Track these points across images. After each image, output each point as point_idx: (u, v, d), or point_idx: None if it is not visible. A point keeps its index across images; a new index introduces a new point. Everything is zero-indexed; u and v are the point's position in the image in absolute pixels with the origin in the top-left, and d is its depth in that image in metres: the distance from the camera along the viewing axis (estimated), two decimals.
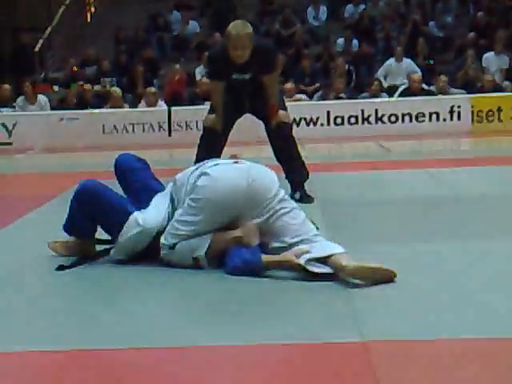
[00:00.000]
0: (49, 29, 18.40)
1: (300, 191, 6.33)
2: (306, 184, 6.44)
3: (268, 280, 3.84)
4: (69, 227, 4.38)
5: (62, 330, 3.24)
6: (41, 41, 17.90)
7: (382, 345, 2.91)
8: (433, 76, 15.33)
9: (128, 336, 3.11)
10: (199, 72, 15.80)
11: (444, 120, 13.82)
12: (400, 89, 14.88)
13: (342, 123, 13.89)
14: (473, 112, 13.82)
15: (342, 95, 14.61)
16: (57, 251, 4.47)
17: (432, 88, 14.82)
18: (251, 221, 4.01)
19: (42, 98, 14.70)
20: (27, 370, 2.87)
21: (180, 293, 3.81)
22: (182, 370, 2.79)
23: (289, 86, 14.32)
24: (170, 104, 14.27)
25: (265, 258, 3.93)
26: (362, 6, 18.05)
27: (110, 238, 4.37)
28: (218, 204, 4.00)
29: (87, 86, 15.27)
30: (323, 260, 3.81)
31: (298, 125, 13.08)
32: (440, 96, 14.31)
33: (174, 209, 4.20)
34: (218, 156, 6.04)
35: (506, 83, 15.40)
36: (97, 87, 15.77)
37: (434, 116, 13.81)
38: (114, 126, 13.87)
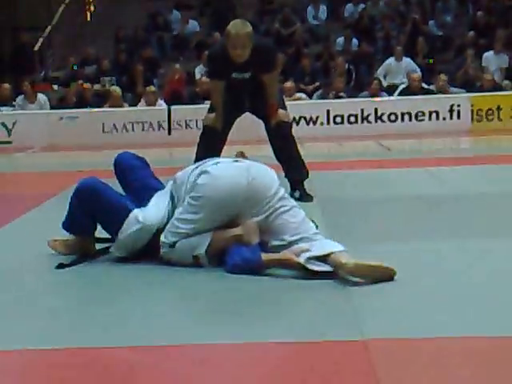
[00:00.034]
0: (49, 28, 18.40)
1: (300, 190, 6.33)
2: (305, 183, 6.45)
3: (268, 278, 3.84)
4: (68, 225, 4.38)
5: (62, 328, 3.24)
6: (41, 40, 17.90)
7: (382, 343, 2.91)
8: (432, 75, 15.34)
9: (127, 334, 3.11)
10: (199, 71, 15.81)
11: (444, 119, 13.84)
12: (400, 88, 14.89)
13: (342, 122, 13.91)
14: (472, 111, 13.84)
15: (341, 94, 14.62)
16: (56, 249, 4.47)
17: (431, 87, 14.82)
18: (251, 219, 4.01)
19: (41, 96, 14.71)
20: (26, 368, 2.87)
21: (180, 291, 3.81)
22: (182, 368, 2.79)
23: (288, 85, 14.33)
24: (169, 103, 14.28)
25: (265, 256, 3.93)
26: (362, 6, 18.06)
27: (109, 236, 4.37)
28: (218, 202, 4.00)
29: (87, 85, 15.28)
30: (323, 258, 3.81)
31: (297, 124, 13.09)
32: (440, 95, 14.32)
33: (173, 207, 4.21)
34: (218, 155, 6.04)
35: (506, 82, 15.41)
36: (96, 86, 15.78)
37: (434, 115, 13.82)
38: (114, 125, 13.88)
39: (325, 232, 4.39)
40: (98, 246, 4.44)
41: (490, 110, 13.84)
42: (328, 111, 13.92)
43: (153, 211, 4.20)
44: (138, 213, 4.18)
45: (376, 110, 13.88)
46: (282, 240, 3.99)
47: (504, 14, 17.47)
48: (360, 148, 11.94)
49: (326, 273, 3.76)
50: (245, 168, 4.10)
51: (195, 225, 4.04)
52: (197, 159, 5.88)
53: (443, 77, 14.67)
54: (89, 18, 20.56)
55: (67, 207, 4.36)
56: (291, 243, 3.95)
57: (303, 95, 14.86)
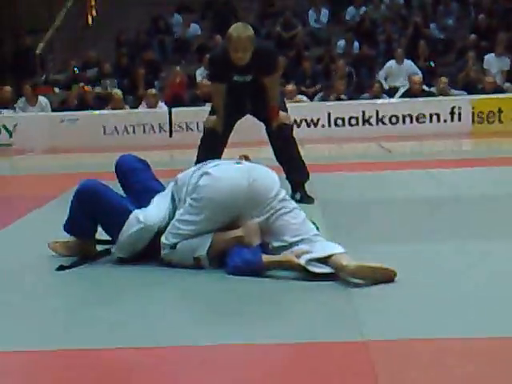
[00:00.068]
0: (50, 31, 18.43)
1: (300, 192, 6.34)
2: (306, 185, 6.45)
3: (269, 280, 3.85)
4: (69, 227, 4.38)
5: (62, 329, 3.24)
6: (42, 43, 17.92)
7: (383, 344, 2.91)
8: (433, 78, 15.34)
9: (128, 336, 3.12)
10: (200, 74, 15.81)
11: (445, 121, 13.83)
12: (401, 90, 14.89)
13: (343, 124, 13.91)
14: (473, 113, 13.83)
15: (342, 97, 14.62)
16: (57, 251, 4.48)
17: (433, 89, 14.82)
18: (252, 220, 4.01)
19: (42, 99, 14.72)
20: (27, 369, 2.87)
21: (180, 292, 3.81)
22: (182, 369, 2.79)
23: (290, 87, 14.34)
24: (170, 106, 14.29)
25: (265, 258, 3.93)
26: (363, 9, 18.06)
27: (110, 238, 4.38)
28: (220, 203, 4.00)
29: (88, 88, 15.28)
30: (324, 260, 3.81)
31: (298, 126, 13.10)
32: (441, 97, 14.32)
33: (174, 208, 4.21)
34: (219, 157, 6.05)
35: (507, 85, 15.41)
36: (98, 89, 15.79)
37: (435, 117, 13.82)
38: (115, 128, 13.89)
39: (325, 233, 4.39)
40: (99, 248, 4.45)
41: (491, 112, 13.83)
42: (329, 113, 13.92)
43: (154, 212, 4.20)
44: (138, 213, 4.18)
45: (377, 112, 13.88)
46: (282, 241, 3.99)
47: (505, 16, 17.47)
48: (361, 150, 11.94)
49: (327, 274, 3.77)
50: (246, 170, 4.11)
51: (196, 226, 4.05)
52: (198, 161, 5.89)
53: (444, 79, 14.68)
54: (90, 22, 20.59)
55: (68, 209, 4.36)
56: (292, 244, 3.96)
57: (304, 98, 14.87)
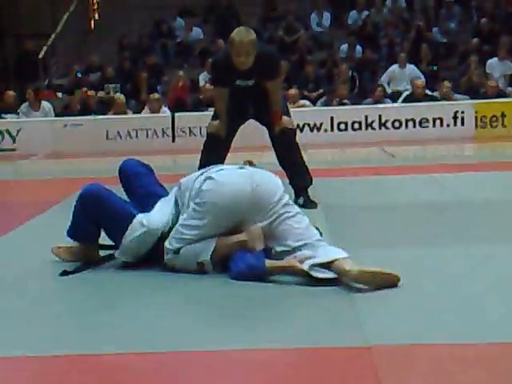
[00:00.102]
0: (53, 35, 18.44)
1: (303, 196, 6.33)
2: (309, 189, 6.45)
3: (272, 285, 3.85)
4: (72, 232, 4.38)
5: (65, 334, 3.24)
6: (45, 47, 17.94)
7: (385, 349, 2.91)
8: (436, 82, 15.33)
9: (130, 340, 3.12)
10: (203, 78, 15.83)
11: (448, 125, 13.82)
12: (403, 95, 14.89)
13: (346, 129, 13.90)
14: (476, 117, 13.83)
15: (345, 101, 14.62)
16: (60, 256, 4.48)
17: (435, 94, 14.82)
18: (255, 225, 4.01)
19: (45, 104, 14.74)
20: (29, 374, 2.87)
21: (184, 297, 3.81)
22: (184, 374, 2.79)
23: (292, 92, 14.34)
24: (173, 110, 14.30)
25: (269, 263, 3.93)
26: (366, 13, 18.06)
27: (113, 243, 4.38)
28: (223, 208, 4.01)
29: (91, 93, 15.30)
30: (327, 265, 3.81)
31: (301, 131, 13.09)
32: (443, 102, 14.31)
33: (178, 212, 4.21)
34: (222, 162, 6.04)
35: (510, 89, 15.41)
36: (100, 93, 15.80)
37: (438, 121, 13.81)
38: (118, 132, 13.90)
39: (328, 238, 4.39)
40: (102, 253, 4.45)
41: (494, 116, 13.83)
42: (332, 118, 13.91)
43: (157, 216, 4.20)
44: (142, 217, 4.19)
45: (380, 116, 13.88)
46: (285, 246, 3.99)
47: (508, 20, 17.46)
48: (364, 155, 11.95)
49: (330, 279, 3.76)
50: (249, 175, 4.11)
51: (200, 231, 4.05)
52: (201, 166, 5.89)
53: (447, 83, 14.66)
54: (93, 26, 20.60)
55: (71, 214, 4.37)
56: (295, 249, 3.96)
57: (307, 102, 14.87)
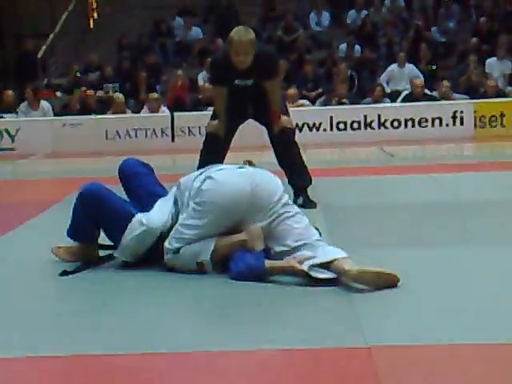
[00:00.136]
0: (52, 35, 18.44)
1: (303, 196, 6.33)
2: (308, 189, 6.45)
3: (271, 285, 3.85)
4: (72, 231, 4.38)
5: (65, 335, 3.24)
6: (44, 47, 17.93)
7: (385, 349, 2.91)
8: (435, 81, 15.34)
9: (130, 341, 3.11)
10: (202, 78, 15.83)
11: (447, 125, 13.83)
12: (402, 94, 14.89)
13: (345, 128, 13.90)
14: (475, 117, 13.83)
15: (344, 101, 14.62)
16: (60, 256, 4.47)
17: (434, 93, 14.82)
18: (255, 225, 4.01)
19: (44, 103, 14.73)
20: (29, 375, 2.87)
21: (183, 297, 3.81)
22: (184, 375, 2.79)
23: (291, 91, 14.33)
24: (172, 110, 14.30)
25: (268, 263, 3.93)
26: (365, 12, 18.06)
27: (112, 243, 4.37)
28: (223, 208, 4.01)
29: (90, 92, 15.29)
30: (326, 265, 3.81)
31: (300, 130, 13.09)
32: (443, 101, 14.32)
33: (177, 212, 4.21)
34: (221, 162, 6.05)
35: (509, 88, 15.41)
36: (100, 93, 15.79)
37: (437, 121, 13.81)
38: (117, 132, 13.89)
39: (328, 238, 4.39)
40: (102, 253, 4.44)
41: (493, 116, 13.83)
42: (331, 117, 13.91)
43: (156, 215, 4.21)
44: (141, 216, 4.19)
45: (379, 116, 13.88)
46: (284, 246, 3.99)
47: (507, 19, 17.47)
48: (363, 154, 11.95)
49: (329, 280, 3.76)
50: (249, 174, 4.11)
51: (199, 230, 4.05)
52: (200, 166, 5.89)
53: (446, 83, 14.67)
54: (92, 25, 20.60)
55: (71, 214, 4.37)
56: (294, 249, 3.96)
57: (306, 102, 14.87)
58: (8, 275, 4.32)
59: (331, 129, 13.91)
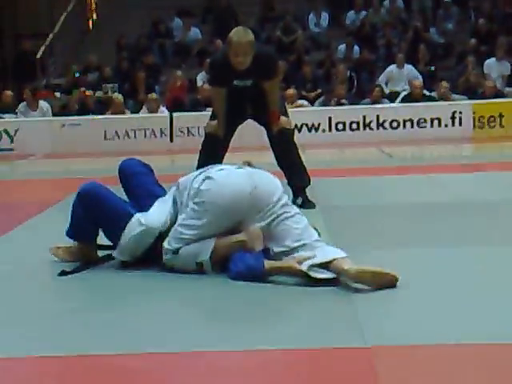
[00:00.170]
0: (51, 35, 18.44)
1: (302, 197, 6.34)
2: (307, 190, 6.45)
3: (270, 285, 3.85)
4: (71, 231, 4.39)
5: (63, 335, 3.24)
6: (43, 47, 17.93)
7: (385, 350, 2.91)
8: (434, 82, 15.34)
9: (129, 341, 3.11)
10: (200, 78, 15.82)
11: (445, 126, 13.84)
12: (401, 95, 14.90)
13: (344, 129, 13.91)
14: (474, 118, 13.84)
15: (343, 101, 14.63)
16: (59, 256, 4.48)
17: (433, 94, 14.83)
18: (254, 225, 4.01)
19: (43, 104, 14.73)
20: (28, 375, 2.87)
21: (182, 298, 3.81)
22: (183, 375, 2.79)
23: (290, 92, 14.34)
24: (171, 110, 14.30)
25: (267, 264, 3.93)
26: (364, 13, 18.07)
27: (111, 244, 4.37)
28: (222, 208, 4.01)
29: (89, 93, 15.29)
30: (325, 265, 3.81)
31: (299, 131, 13.10)
32: (441, 102, 14.32)
33: (176, 212, 4.21)
34: (220, 162, 6.05)
35: (508, 89, 15.42)
36: (98, 93, 15.80)
37: (436, 122, 13.82)
38: (116, 132, 13.90)
39: (327, 238, 4.39)
40: (101, 254, 4.44)
41: (491, 117, 13.84)
42: (330, 118, 13.92)
43: (155, 215, 4.21)
44: (140, 216, 4.19)
45: (378, 116, 13.88)
46: (283, 246, 3.99)
47: (505, 21, 17.47)
48: (362, 155, 11.95)
49: (329, 280, 3.77)
50: (248, 175, 4.12)
51: (199, 231, 4.05)
52: (199, 166, 5.89)
53: (445, 84, 14.67)
54: (91, 26, 20.60)
55: (69, 213, 4.37)
56: (293, 249, 3.96)
57: (305, 102, 14.88)
58: (7, 275, 4.32)
59: (330, 129, 13.92)
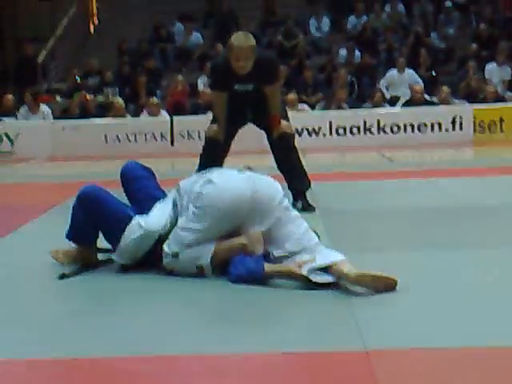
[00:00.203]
0: (52, 40, 18.45)
1: (302, 201, 6.34)
2: (307, 194, 6.45)
3: (271, 289, 3.85)
4: (71, 234, 4.39)
5: (63, 338, 3.24)
6: (44, 51, 17.94)
7: (384, 354, 2.91)
8: (435, 87, 15.35)
9: (129, 344, 3.11)
10: (202, 82, 15.83)
11: (446, 130, 13.84)
12: (402, 100, 14.90)
13: (344, 133, 13.92)
14: (475, 122, 13.84)
15: (344, 105, 14.63)
16: (59, 260, 4.47)
17: (434, 99, 14.83)
18: (254, 228, 4.01)
19: (44, 107, 14.73)
20: (28, 378, 2.87)
21: (182, 301, 3.81)
22: (183, 378, 2.79)
23: (291, 96, 14.34)
24: (172, 114, 14.30)
25: (267, 267, 3.93)
26: (365, 18, 18.08)
27: (111, 247, 4.37)
28: (223, 212, 4.01)
29: (90, 97, 15.30)
30: (325, 269, 3.81)
31: (300, 135, 13.10)
32: (442, 106, 14.32)
33: (176, 215, 4.21)
34: (221, 166, 6.06)
35: (509, 94, 15.42)
36: (99, 97, 15.81)
37: (437, 126, 13.83)
38: (117, 136, 13.90)
39: (327, 242, 4.39)
40: (101, 257, 4.44)
41: (492, 121, 13.85)
42: (330, 122, 13.93)
43: (155, 218, 4.21)
44: (140, 219, 4.19)
45: (378, 121, 13.89)
46: (284, 250, 3.99)
47: (506, 25, 17.49)
48: (362, 159, 11.95)
49: (328, 283, 3.77)
50: (249, 179, 4.12)
51: (199, 234, 4.05)
52: (199, 170, 5.90)
53: (446, 89, 14.68)
54: (92, 30, 20.62)
55: (69, 216, 4.37)
56: (293, 253, 3.96)
57: (306, 107, 14.88)
58: (7, 278, 4.32)
59: (331, 134, 13.93)
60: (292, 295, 3.75)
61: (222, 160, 6.37)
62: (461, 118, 13.81)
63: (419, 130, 13.83)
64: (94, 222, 4.27)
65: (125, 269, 4.25)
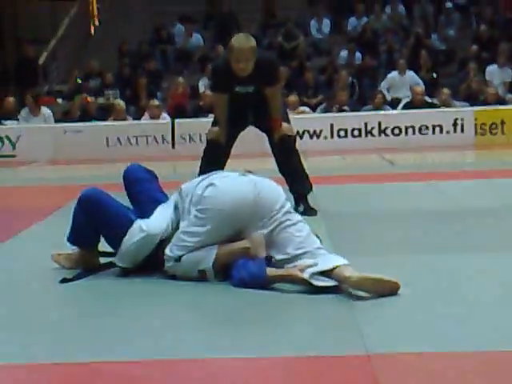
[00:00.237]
0: (53, 41, 18.46)
1: (303, 204, 6.34)
2: (309, 197, 6.45)
3: (273, 293, 3.84)
4: (72, 237, 4.39)
5: (65, 342, 3.23)
6: (45, 53, 17.95)
7: (386, 357, 2.91)
8: (436, 89, 15.34)
9: (130, 348, 3.11)
10: (202, 84, 15.84)
11: (447, 132, 13.83)
12: (403, 101, 14.90)
13: (346, 136, 13.91)
14: (476, 125, 13.83)
15: (345, 108, 14.63)
16: (60, 263, 4.47)
17: (435, 101, 14.83)
18: (257, 232, 4.01)
19: (45, 110, 14.73)
20: (28, 382, 2.87)
21: (184, 305, 3.81)
22: (183, 382, 2.79)
23: (292, 98, 14.34)
24: (173, 116, 14.30)
25: (270, 271, 3.93)
26: (365, 19, 18.10)
27: (112, 250, 4.37)
28: (225, 215, 4.00)
29: (90, 99, 15.30)
30: (327, 273, 3.81)
31: (301, 137, 13.10)
32: (443, 108, 14.32)
33: (177, 218, 4.21)
34: (222, 168, 6.05)
35: (510, 96, 15.42)
36: (100, 100, 15.81)
37: (438, 128, 13.82)
38: (118, 139, 13.90)
39: (328, 246, 4.39)
40: (102, 260, 4.44)
41: (493, 123, 13.83)
42: (331, 125, 13.92)
43: (156, 221, 4.20)
44: (141, 222, 4.19)
45: (380, 123, 13.89)
46: (285, 254, 3.99)
47: (507, 27, 17.49)
48: (363, 162, 11.95)
49: (330, 288, 3.76)
50: (251, 182, 4.11)
51: (201, 238, 4.04)
52: (201, 173, 5.89)
53: (446, 91, 14.67)
54: (93, 32, 20.63)
55: (71, 219, 4.37)
56: (295, 257, 3.96)
57: (307, 109, 14.88)
58: (8, 281, 4.32)
59: (332, 136, 13.91)
60: (293, 299, 3.75)
61: (224, 163, 6.37)
62: (462, 120, 13.79)
63: (420, 132, 13.83)
64: (96, 225, 4.27)
65: (126, 272, 4.25)
